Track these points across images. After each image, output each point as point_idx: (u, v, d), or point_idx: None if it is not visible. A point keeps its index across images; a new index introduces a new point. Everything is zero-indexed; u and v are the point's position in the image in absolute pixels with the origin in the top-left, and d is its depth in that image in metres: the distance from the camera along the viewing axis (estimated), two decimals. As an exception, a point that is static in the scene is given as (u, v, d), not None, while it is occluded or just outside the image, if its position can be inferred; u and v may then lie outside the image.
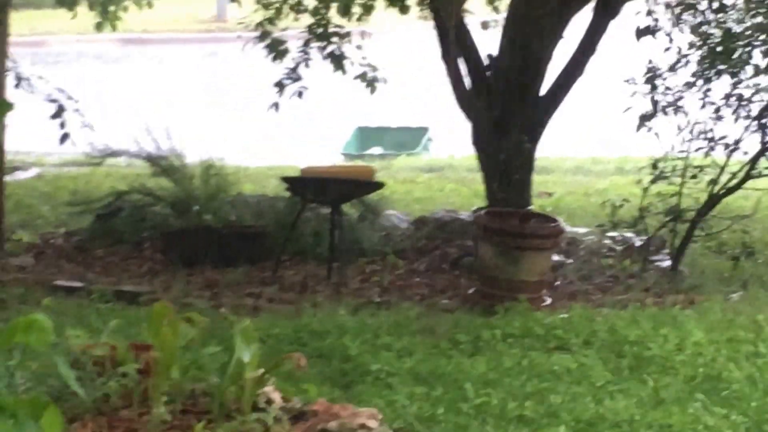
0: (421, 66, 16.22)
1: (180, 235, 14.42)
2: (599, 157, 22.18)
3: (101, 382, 8.54)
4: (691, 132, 14.34)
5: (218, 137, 22.93)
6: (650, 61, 14.39)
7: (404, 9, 16.07)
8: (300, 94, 16.66)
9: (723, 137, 14.37)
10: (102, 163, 19.21)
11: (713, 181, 14.32)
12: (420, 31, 15.95)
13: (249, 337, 8.76)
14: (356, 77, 17.15)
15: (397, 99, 21.61)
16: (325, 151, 24.17)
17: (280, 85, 16.57)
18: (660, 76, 14.32)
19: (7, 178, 16.22)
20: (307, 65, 16.68)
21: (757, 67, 14.21)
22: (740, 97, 14.34)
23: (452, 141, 20.06)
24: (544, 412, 9.21)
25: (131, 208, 15.26)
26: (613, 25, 14.95)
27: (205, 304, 12.28)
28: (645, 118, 14.30)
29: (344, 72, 16.89)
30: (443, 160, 23.49)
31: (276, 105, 16.67)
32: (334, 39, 16.61)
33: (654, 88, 14.30)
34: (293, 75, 16.68)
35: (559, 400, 9.46)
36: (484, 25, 16.66)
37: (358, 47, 16.92)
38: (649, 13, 14.39)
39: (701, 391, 9.79)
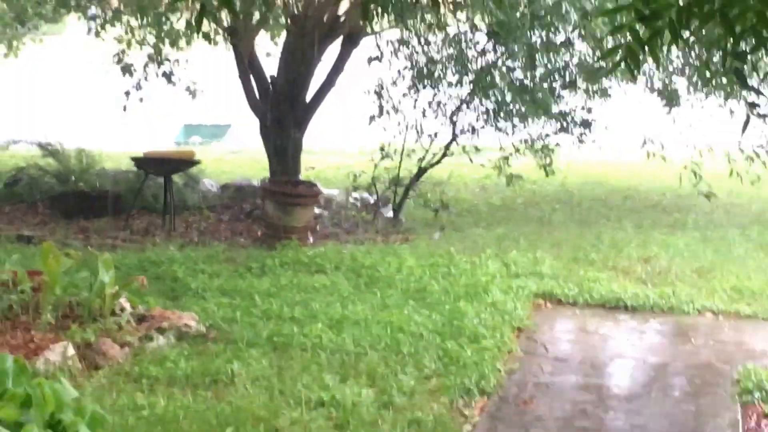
0: (228, 81, 16.19)
1: (62, 197, 14.30)
2: (348, 145, 22.36)
3: (6, 297, 8.53)
4: (406, 126, 14.56)
5: (86, 129, 22.58)
6: (379, 79, 14.58)
7: (214, 42, 16.04)
8: (141, 99, 16.53)
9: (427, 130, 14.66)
10: (8, 148, 19.19)
11: (421, 159, 14.60)
12: (226, 56, 15.93)
13: (108, 265, 8.81)
14: (185, 89, 17.12)
15: (212, 104, 21.53)
16: (163, 139, 23.98)
17: (127, 93, 16.45)
18: (384, 88, 14.53)
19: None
20: (146, 80, 16.56)
21: (450, 83, 14.48)
22: (439, 103, 14.61)
23: (249, 133, 20.01)
24: (308, 314, 9.36)
25: (29, 179, 15.09)
26: (356, 53, 15.07)
27: (79, 244, 12.13)
28: (373, 118, 14.51)
29: (174, 84, 16.79)
30: (242, 146, 23.46)
31: (125, 107, 16.54)
32: (166, 63, 16.52)
33: (380, 97, 14.51)
34: (137, 86, 16.55)
35: (318, 306, 9.61)
36: (268, 54, 16.69)
37: (184, 69, 16.86)
38: (377, 46, 14.57)
39: (412, 299, 10.04)
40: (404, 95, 14.55)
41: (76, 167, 15.06)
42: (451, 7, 14.10)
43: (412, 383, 7.77)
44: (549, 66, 14.18)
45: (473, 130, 14.62)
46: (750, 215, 15.57)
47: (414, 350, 8.50)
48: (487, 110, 14.48)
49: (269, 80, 14.81)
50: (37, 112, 26.17)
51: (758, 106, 4.87)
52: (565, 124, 14.57)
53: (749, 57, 4.35)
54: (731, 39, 4.02)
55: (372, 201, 15.00)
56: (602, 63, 11.94)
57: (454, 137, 14.69)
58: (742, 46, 4.25)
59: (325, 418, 7.07)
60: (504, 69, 14.24)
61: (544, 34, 13.61)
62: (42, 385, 5.14)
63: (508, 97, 14.14)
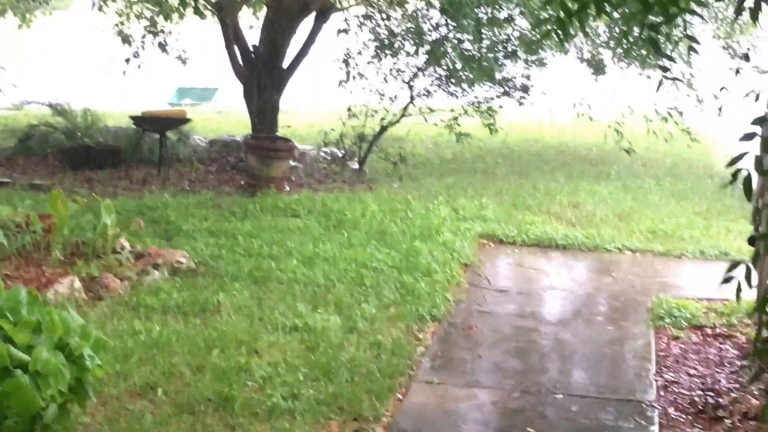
0: (215, 50, 16.00)
1: (69, 151, 14.13)
2: (319, 107, 22.23)
3: (20, 237, 8.46)
4: (370, 90, 14.51)
5: (90, 92, 22.29)
6: (346, 49, 14.50)
7: (203, 16, 15.81)
8: (140, 66, 16.31)
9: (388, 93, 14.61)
10: (22, 108, 18.98)
11: (383, 119, 14.55)
12: (214, 29, 15.72)
13: (110, 210, 8.75)
14: (177, 57, 16.88)
15: (202, 70, 21.36)
16: (158, 100, 23.74)
17: (127, 60, 16.21)
18: (351, 57, 14.45)
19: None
20: (143, 48, 16.29)
21: (408, 52, 14.42)
22: (398, 70, 14.56)
23: (234, 95, 19.82)
24: (284, 252, 9.36)
25: (40, 135, 14.88)
26: (327, 26, 14.95)
27: (85, 191, 12.04)
28: (341, 83, 14.43)
29: (168, 53, 16.56)
30: (227, 107, 23.28)
31: (125, 72, 16.31)
32: (161, 34, 16.28)
33: (347, 64, 14.43)
34: (135, 54, 16.28)
35: (293, 245, 9.60)
36: (250, 27, 16.50)
37: (177, 39, 16.63)
38: (345, 20, 14.47)
39: (374, 240, 10.04)
40: (368, 63, 14.47)
41: (82, 125, 14.89)
42: (409, -14, 14.07)
43: (374, 311, 7.82)
44: (493, 38, 14.18)
45: (428, 93, 14.64)
46: (664, 168, 15.66)
47: (375, 283, 8.56)
48: (440, 76, 14.51)
49: (251, 50, 14.67)
50: (47, 77, 25.88)
51: (669, 69, 4.87)
52: (507, 89, 14.61)
53: (663, 29, 4.35)
54: (646, 12, 4.01)
55: (340, 155, 14.95)
56: (538, 35, 11.93)
57: (411, 100, 14.65)
58: (657, 19, 4.25)
59: (298, 341, 7.09)
60: (455, 41, 14.19)
61: (489, 10, 13.58)
62: (51, 313, 5.11)
63: (458, 66, 14.16)
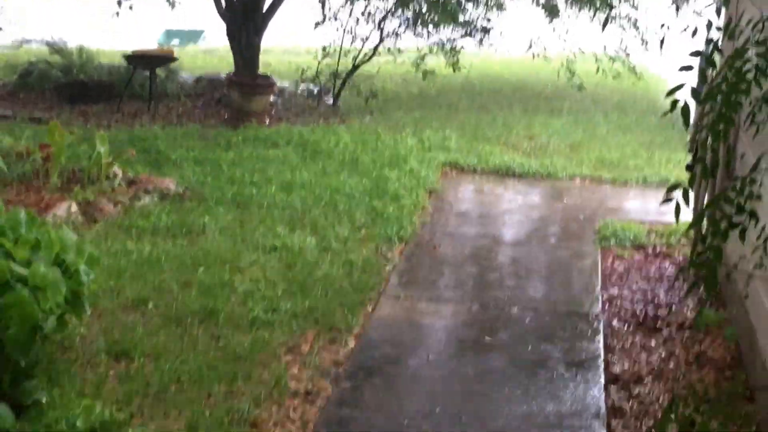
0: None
1: (66, 86, 13.94)
2: (297, 45, 21.97)
3: (21, 165, 8.39)
4: (343, 31, 14.38)
5: (85, 31, 21.91)
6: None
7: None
8: (131, 7, 16.00)
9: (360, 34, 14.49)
10: (21, 46, 18.69)
11: (355, 58, 14.43)
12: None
13: (104, 141, 8.66)
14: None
15: (188, 12, 20.99)
16: (148, 41, 23.36)
17: (119, 3, 15.90)
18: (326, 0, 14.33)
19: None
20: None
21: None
22: (369, 13, 14.43)
23: (218, 36, 19.51)
24: (264, 179, 9.33)
25: (39, 71, 14.64)
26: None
27: (81, 124, 11.94)
28: (318, 24, 14.29)
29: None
30: (213, 46, 22.99)
31: (117, 13, 16.00)
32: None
33: (323, 6, 14.27)
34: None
35: (272, 173, 9.57)
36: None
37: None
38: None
39: (347, 168, 10.01)
40: (342, 6, 14.33)
41: (78, 62, 14.70)
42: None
43: (346, 233, 7.83)
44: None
45: (396, 34, 14.55)
46: (612, 103, 15.61)
47: (348, 207, 8.56)
48: (408, 19, 14.42)
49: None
50: (45, 17, 25.42)
51: (614, 7, 4.87)
52: (468, 30, 14.57)
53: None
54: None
55: (316, 91, 14.82)
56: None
57: (381, 40, 14.53)
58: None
59: (277, 260, 7.11)
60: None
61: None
62: (49, 231, 5.08)
63: (424, 9, 14.06)
